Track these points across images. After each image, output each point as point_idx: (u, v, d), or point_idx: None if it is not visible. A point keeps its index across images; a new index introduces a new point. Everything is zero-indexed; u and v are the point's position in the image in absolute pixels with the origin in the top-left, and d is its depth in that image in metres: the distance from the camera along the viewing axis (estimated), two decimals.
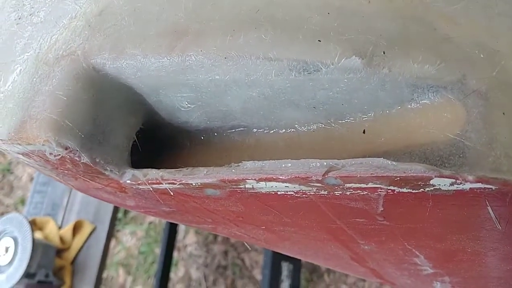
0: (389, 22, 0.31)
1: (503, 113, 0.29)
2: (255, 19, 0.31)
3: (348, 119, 0.33)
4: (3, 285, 1.04)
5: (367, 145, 0.32)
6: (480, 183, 0.27)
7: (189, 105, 0.35)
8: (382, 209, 0.32)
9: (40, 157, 0.34)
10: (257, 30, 0.30)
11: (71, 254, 1.16)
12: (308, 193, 0.32)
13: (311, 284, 1.77)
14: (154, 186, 0.34)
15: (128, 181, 0.35)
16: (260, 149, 0.37)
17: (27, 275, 1.05)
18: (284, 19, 0.31)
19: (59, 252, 1.16)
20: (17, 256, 1.04)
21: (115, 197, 0.39)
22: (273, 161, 0.31)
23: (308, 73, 0.30)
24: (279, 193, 0.32)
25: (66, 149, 0.32)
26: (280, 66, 0.30)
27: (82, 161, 0.33)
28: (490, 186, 0.27)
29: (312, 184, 0.30)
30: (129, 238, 2.11)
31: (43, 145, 0.32)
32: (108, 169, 0.34)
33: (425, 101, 0.30)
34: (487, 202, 0.28)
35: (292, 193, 0.32)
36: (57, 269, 1.14)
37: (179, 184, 0.33)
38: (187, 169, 0.33)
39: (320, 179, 0.29)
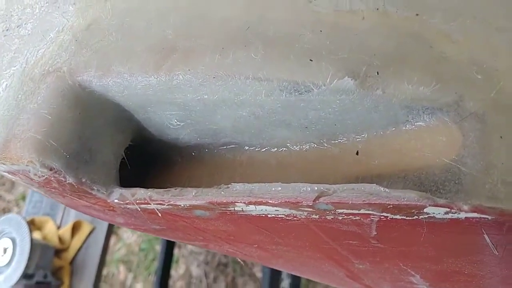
0: (384, 40, 0.30)
1: (501, 137, 0.27)
2: (245, 36, 0.30)
3: (341, 139, 0.32)
4: (1, 286, 1.04)
5: (360, 167, 0.31)
6: (476, 213, 0.26)
7: (178, 122, 0.34)
8: (376, 233, 0.31)
9: (25, 176, 0.33)
10: (247, 48, 0.29)
11: (70, 254, 1.16)
12: (299, 217, 0.31)
13: (311, 283, 1.77)
14: (142, 206, 0.33)
15: (116, 201, 0.34)
16: (252, 167, 0.36)
17: (25, 276, 1.05)
18: (275, 36, 0.30)
19: (58, 252, 1.16)
20: (15, 257, 1.04)
21: (104, 215, 0.38)
22: (263, 184, 0.30)
23: (299, 93, 0.29)
24: (269, 216, 0.31)
25: (50, 170, 0.31)
26: (270, 86, 0.29)
27: (67, 181, 0.32)
28: (486, 216, 0.26)
29: (302, 208, 0.29)
30: (129, 235, 2.11)
31: (27, 165, 0.31)
32: (95, 188, 0.33)
33: (420, 123, 0.29)
34: (483, 231, 0.27)
35: (283, 216, 0.31)
36: (56, 269, 1.14)
37: (168, 205, 0.32)
38: (176, 189, 0.32)
39: (310, 204, 0.28)
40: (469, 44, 0.30)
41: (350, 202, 0.27)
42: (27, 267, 1.04)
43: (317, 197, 0.28)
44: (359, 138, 0.32)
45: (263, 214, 0.31)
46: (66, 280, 1.13)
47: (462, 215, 0.26)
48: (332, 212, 0.29)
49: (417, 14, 0.31)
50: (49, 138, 0.31)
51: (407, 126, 0.30)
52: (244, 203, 0.30)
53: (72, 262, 1.16)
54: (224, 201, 0.31)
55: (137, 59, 0.31)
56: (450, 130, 0.28)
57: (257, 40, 0.30)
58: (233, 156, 0.37)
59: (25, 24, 0.38)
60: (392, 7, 0.31)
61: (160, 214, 0.33)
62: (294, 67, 0.29)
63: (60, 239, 1.17)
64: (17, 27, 0.38)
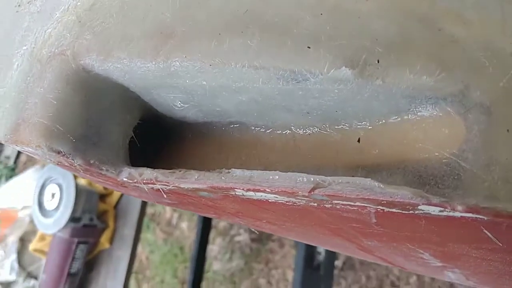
0: (388, 23, 0.28)
1: (508, 130, 0.26)
2: (243, 21, 0.29)
3: (343, 125, 0.31)
4: (51, 228, 1.11)
5: (361, 156, 0.30)
6: (471, 213, 0.25)
7: (182, 104, 0.34)
8: (376, 221, 0.30)
9: (38, 156, 0.35)
10: (244, 34, 0.28)
11: (113, 199, 1.21)
12: (299, 203, 0.31)
13: None
14: (149, 186, 0.34)
15: (125, 179, 0.35)
16: (257, 148, 0.36)
17: (73, 219, 1.11)
18: (273, 21, 0.29)
19: (103, 197, 1.21)
20: (62, 202, 1.10)
21: (118, 189, 0.40)
22: (262, 172, 0.30)
23: (297, 82, 0.28)
24: (270, 201, 0.31)
25: (58, 153, 0.32)
26: (266, 74, 0.28)
27: (76, 163, 0.33)
28: (482, 217, 0.25)
29: (299, 198, 0.29)
30: None
31: (36, 149, 0.32)
32: (104, 168, 0.34)
33: (422, 113, 0.28)
34: (482, 227, 0.27)
35: (283, 201, 0.31)
36: (101, 213, 1.20)
37: (172, 186, 0.33)
38: (180, 171, 0.33)
39: (306, 194, 0.28)
40: (483, 25, 0.28)
41: (344, 196, 0.27)
42: (74, 211, 1.10)
43: (313, 189, 0.28)
44: (360, 125, 0.31)
45: (264, 199, 0.31)
46: (111, 223, 1.19)
47: (458, 214, 0.25)
48: (329, 202, 0.29)
49: None
50: (56, 123, 0.32)
51: (410, 116, 0.29)
52: (243, 189, 0.30)
53: (116, 206, 1.22)
54: (224, 186, 0.31)
55: (136, 44, 0.31)
56: (453, 122, 0.27)
57: (254, 25, 0.29)
58: (240, 135, 0.37)
59: (35, 0, 0.38)
60: None
61: (165, 195, 0.34)
62: (291, 54, 0.28)
63: None
64: (28, 3, 0.38)
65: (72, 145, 0.32)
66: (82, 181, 1.21)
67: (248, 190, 0.30)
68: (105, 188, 1.22)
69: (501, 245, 0.29)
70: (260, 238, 2.00)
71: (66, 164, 0.35)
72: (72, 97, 0.32)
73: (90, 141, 0.34)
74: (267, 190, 0.29)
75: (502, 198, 0.25)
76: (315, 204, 0.30)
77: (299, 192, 0.28)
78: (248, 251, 2.00)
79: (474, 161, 0.26)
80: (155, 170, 0.34)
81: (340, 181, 0.27)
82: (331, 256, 1.64)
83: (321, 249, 1.61)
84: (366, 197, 0.26)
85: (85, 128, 0.33)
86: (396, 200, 0.26)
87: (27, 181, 1.54)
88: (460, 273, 0.43)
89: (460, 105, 0.26)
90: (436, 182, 0.27)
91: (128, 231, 1.18)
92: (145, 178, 0.34)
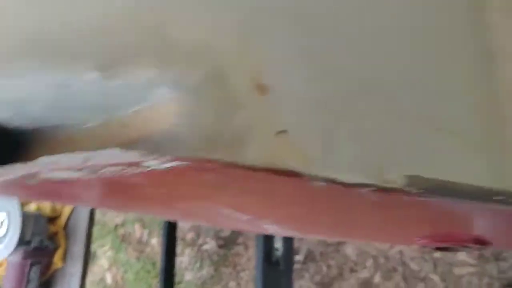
0: (129, 35, 0.38)
1: (212, 105, 0.36)
2: (27, 44, 0.39)
3: (111, 115, 0.41)
4: (2, 253, 1.20)
5: (125, 137, 0.40)
6: (179, 161, 0.35)
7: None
8: (147, 182, 0.41)
9: None
10: (27, 55, 0.39)
11: (62, 220, 1.31)
12: (85, 177, 0.41)
13: None
14: None
15: None
16: (73, 144, 0.45)
17: (23, 242, 1.21)
18: (50, 41, 0.39)
19: (52, 219, 1.31)
20: (10, 228, 1.20)
21: None
22: (56, 155, 0.39)
23: (65, 87, 0.38)
24: (72, 177, 0.41)
25: None
26: (43, 85, 0.38)
27: None
28: (185, 163, 0.35)
29: (80, 171, 0.39)
30: None
31: None
32: None
33: (154, 100, 0.38)
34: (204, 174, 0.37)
35: (76, 177, 0.41)
36: (52, 235, 1.29)
37: (5, 178, 0.43)
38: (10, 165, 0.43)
39: (81, 168, 0.38)
40: (195, 27, 0.38)
41: (102, 164, 0.37)
42: (23, 235, 1.20)
43: (83, 162, 0.38)
44: (121, 115, 0.41)
45: (67, 177, 0.41)
46: (62, 243, 1.29)
47: (171, 164, 0.36)
48: (102, 171, 0.39)
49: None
50: None
51: (147, 103, 0.39)
52: (44, 172, 0.40)
53: (65, 227, 1.32)
54: (32, 171, 0.41)
55: None
56: (172, 102, 0.37)
57: (35, 47, 0.39)
58: (60, 136, 0.46)
59: None
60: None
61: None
62: (58, 66, 0.38)
63: (53, 208, 1.32)
64: None
65: None
66: (31, 207, 1.30)
67: (50, 170, 0.40)
68: (53, 211, 1.31)
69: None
70: (226, 244, 2.09)
71: None
72: None
73: None
74: (57, 168, 0.39)
75: (201, 152, 0.35)
76: (94, 175, 0.40)
77: (76, 167, 0.38)
78: (216, 257, 2.09)
79: (188, 129, 0.36)
80: None
81: (97, 153, 0.37)
82: (289, 251, 1.72)
83: (279, 245, 1.69)
84: (115, 162, 0.37)
85: None
86: (131, 161, 0.36)
87: None
88: (272, 224, 0.53)
89: (176, 89, 0.37)
90: (163, 149, 0.37)
91: (77, 248, 1.27)
92: None
